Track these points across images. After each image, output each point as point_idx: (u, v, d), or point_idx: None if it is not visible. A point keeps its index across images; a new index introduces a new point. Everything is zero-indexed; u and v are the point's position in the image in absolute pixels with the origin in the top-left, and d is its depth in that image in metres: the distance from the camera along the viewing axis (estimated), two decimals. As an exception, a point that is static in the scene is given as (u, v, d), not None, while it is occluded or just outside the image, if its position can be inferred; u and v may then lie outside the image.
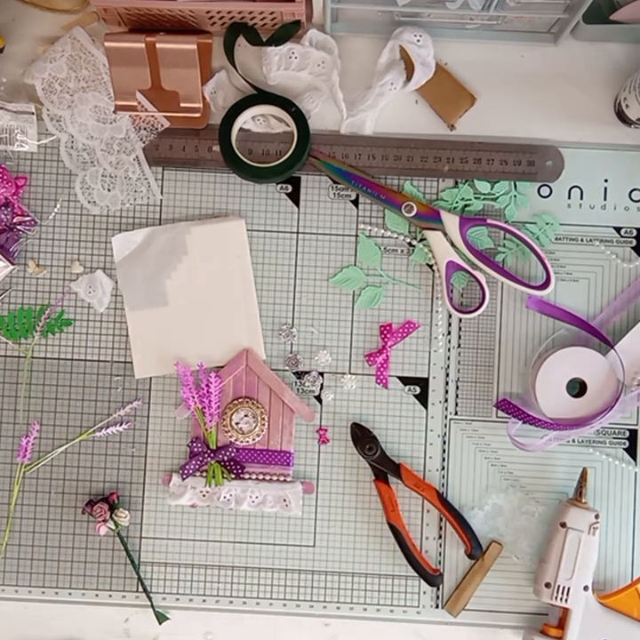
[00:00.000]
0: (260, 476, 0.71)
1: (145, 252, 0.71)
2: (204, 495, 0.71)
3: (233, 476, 0.71)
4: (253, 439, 0.71)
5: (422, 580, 0.70)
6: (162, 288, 0.72)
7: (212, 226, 0.72)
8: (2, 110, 0.71)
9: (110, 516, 0.70)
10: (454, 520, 0.70)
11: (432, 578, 0.70)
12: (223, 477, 0.70)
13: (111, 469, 0.72)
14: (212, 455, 0.70)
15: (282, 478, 0.71)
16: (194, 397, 0.70)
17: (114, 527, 0.70)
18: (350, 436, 0.71)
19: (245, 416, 0.71)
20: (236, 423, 0.71)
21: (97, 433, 0.72)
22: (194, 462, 0.70)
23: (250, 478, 0.71)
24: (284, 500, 0.71)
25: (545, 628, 0.69)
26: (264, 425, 0.71)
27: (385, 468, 0.71)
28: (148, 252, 0.71)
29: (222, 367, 0.72)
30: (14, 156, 0.73)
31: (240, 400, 0.71)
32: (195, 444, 0.71)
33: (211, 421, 0.70)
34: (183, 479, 0.70)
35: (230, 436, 0.71)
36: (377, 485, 0.71)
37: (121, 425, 0.72)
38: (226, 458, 0.71)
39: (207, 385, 0.70)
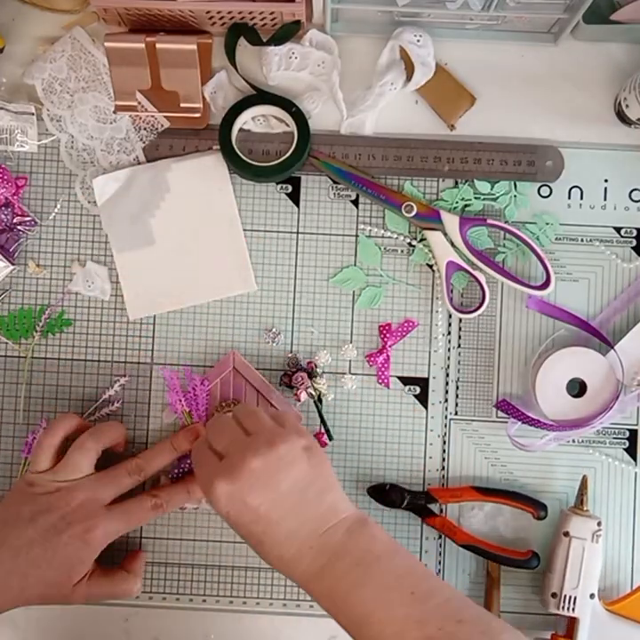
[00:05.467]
0: None
1: (127, 192, 0.71)
2: None
3: None
4: None
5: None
6: (147, 227, 0.72)
7: (192, 161, 0.72)
8: (2, 110, 0.71)
9: (311, 384, 0.70)
10: (506, 499, 0.70)
11: (527, 562, 0.69)
12: None
13: (111, 469, 0.72)
14: None
15: None
16: (181, 401, 0.70)
17: (314, 393, 0.70)
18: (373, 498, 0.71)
19: None
20: None
21: (90, 418, 0.72)
22: (182, 465, 0.70)
23: None
24: None
25: (554, 638, 0.69)
26: None
27: (419, 503, 0.71)
28: (130, 192, 0.71)
29: (211, 367, 0.72)
30: (14, 157, 0.73)
31: (227, 402, 0.71)
32: None
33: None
34: (172, 482, 0.70)
35: None
36: (429, 523, 0.71)
37: (113, 404, 0.72)
38: None
39: (193, 388, 0.70)
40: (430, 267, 0.73)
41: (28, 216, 0.72)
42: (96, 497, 0.64)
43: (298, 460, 0.59)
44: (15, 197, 0.71)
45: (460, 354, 0.72)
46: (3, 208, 0.70)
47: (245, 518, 0.59)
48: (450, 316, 0.73)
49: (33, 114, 0.71)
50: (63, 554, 0.62)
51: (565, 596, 0.67)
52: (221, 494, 0.58)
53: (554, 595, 0.68)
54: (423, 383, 0.72)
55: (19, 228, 0.71)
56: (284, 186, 0.73)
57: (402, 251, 0.73)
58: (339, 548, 0.58)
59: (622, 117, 0.72)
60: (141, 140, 0.72)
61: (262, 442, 0.59)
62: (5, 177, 0.71)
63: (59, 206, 0.73)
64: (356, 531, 0.59)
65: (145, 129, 0.72)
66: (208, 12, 0.68)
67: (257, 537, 0.59)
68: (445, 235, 0.71)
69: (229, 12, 0.68)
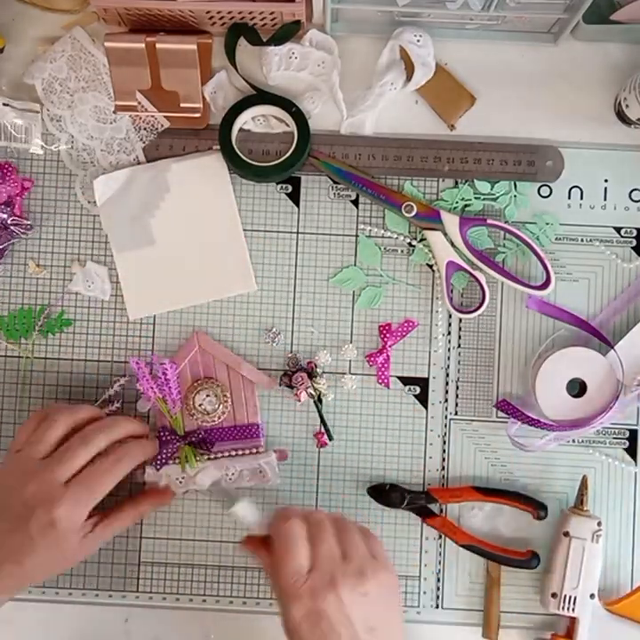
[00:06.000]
0: (233, 453, 0.71)
1: (127, 192, 0.71)
2: (180, 482, 0.70)
3: (205, 456, 0.71)
4: (219, 418, 0.71)
5: (421, 580, 0.71)
6: (147, 227, 0.72)
7: (192, 161, 0.72)
8: (7, 107, 0.71)
9: (311, 384, 0.71)
10: (506, 499, 0.70)
11: (527, 562, 0.70)
12: (196, 460, 0.70)
13: (111, 469, 0.72)
14: (181, 440, 0.70)
15: (254, 450, 0.71)
16: (153, 388, 0.70)
17: (314, 393, 0.71)
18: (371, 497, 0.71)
19: (207, 396, 0.71)
20: (200, 405, 0.71)
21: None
22: (165, 451, 0.70)
23: (223, 456, 0.71)
24: (260, 472, 0.71)
25: (554, 638, 0.69)
26: (227, 402, 0.71)
27: (419, 503, 0.71)
28: (130, 192, 0.71)
29: (176, 352, 0.72)
30: (15, 154, 0.73)
31: (199, 382, 0.71)
32: (162, 434, 0.70)
33: (174, 408, 0.70)
34: (158, 470, 0.70)
35: (196, 419, 0.71)
36: (430, 523, 0.71)
37: (113, 404, 0.71)
38: (195, 440, 0.71)
39: (163, 373, 0.69)
40: (430, 267, 0.73)
41: (26, 220, 0.71)
42: (52, 477, 0.62)
43: (377, 601, 0.59)
44: (18, 198, 0.71)
45: (460, 354, 0.72)
46: (3, 206, 0.70)
47: (315, 636, 0.58)
48: (450, 316, 0.73)
49: (38, 112, 0.71)
50: (44, 543, 0.61)
51: (565, 596, 0.67)
52: (300, 609, 0.58)
53: (554, 595, 0.68)
54: (423, 383, 0.72)
55: (12, 228, 0.70)
56: (284, 186, 0.73)
57: (402, 251, 0.73)
58: None
59: (622, 117, 0.72)
60: (141, 139, 0.72)
61: (354, 571, 0.59)
62: (12, 176, 0.71)
63: (59, 206, 0.73)
64: None
65: (145, 129, 0.72)
66: (208, 12, 0.68)
67: None
68: (445, 235, 0.71)
69: (229, 12, 0.68)
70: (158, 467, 0.70)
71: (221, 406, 0.71)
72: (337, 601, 0.57)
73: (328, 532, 0.61)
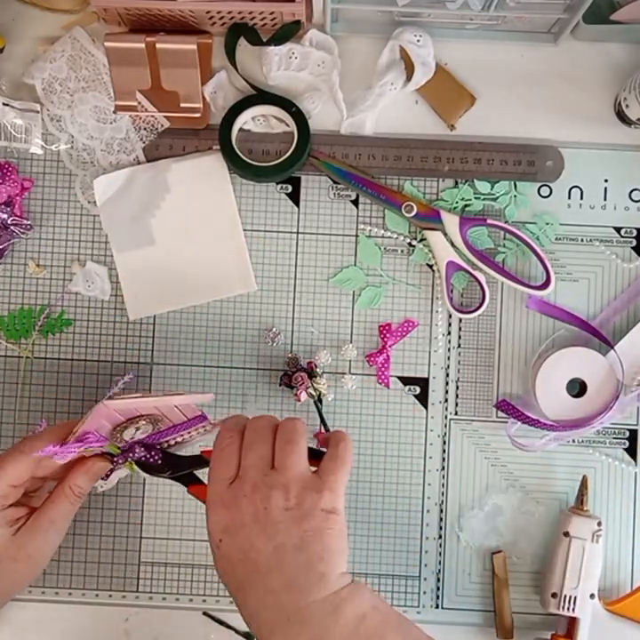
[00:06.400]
0: (180, 439, 0.64)
1: (127, 192, 0.71)
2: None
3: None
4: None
5: (421, 580, 0.71)
6: (147, 227, 0.72)
7: (192, 161, 0.72)
8: (7, 107, 0.71)
9: (311, 384, 0.70)
10: None
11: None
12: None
13: (111, 469, 0.72)
14: (121, 456, 0.62)
15: (202, 430, 0.64)
16: (73, 452, 0.59)
17: (314, 393, 0.70)
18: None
19: (137, 429, 0.61)
20: (131, 437, 0.61)
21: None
22: (122, 457, 0.62)
23: (177, 442, 0.64)
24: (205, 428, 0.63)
25: (554, 638, 0.69)
26: (162, 421, 0.62)
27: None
28: (130, 192, 0.71)
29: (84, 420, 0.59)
30: (16, 154, 0.73)
31: (126, 421, 0.60)
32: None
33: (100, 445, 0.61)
34: (105, 479, 0.63)
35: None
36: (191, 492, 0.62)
37: None
38: (135, 457, 0.62)
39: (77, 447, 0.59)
40: (430, 267, 0.73)
41: (26, 219, 0.71)
42: None
43: (309, 519, 0.52)
44: (18, 198, 0.71)
45: (459, 354, 0.72)
46: (3, 206, 0.70)
47: (234, 555, 0.52)
48: (450, 316, 0.73)
49: (38, 112, 0.71)
50: None
51: (565, 596, 0.67)
52: (219, 521, 0.52)
53: (554, 595, 0.68)
54: (423, 383, 0.72)
55: (12, 228, 0.70)
56: (284, 186, 0.73)
57: (402, 251, 0.73)
58: (318, 632, 0.50)
59: (622, 117, 0.72)
60: (141, 139, 0.72)
61: (284, 484, 0.53)
62: (12, 176, 0.71)
63: (59, 206, 0.73)
64: (343, 610, 0.51)
65: (145, 129, 0.72)
66: (208, 12, 0.68)
67: (238, 580, 0.53)
68: (445, 235, 0.71)
69: (229, 12, 0.68)
70: (105, 478, 0.63)
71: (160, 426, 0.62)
72: (254, 514, 0.52)
73: (263, 440, 0.55)
